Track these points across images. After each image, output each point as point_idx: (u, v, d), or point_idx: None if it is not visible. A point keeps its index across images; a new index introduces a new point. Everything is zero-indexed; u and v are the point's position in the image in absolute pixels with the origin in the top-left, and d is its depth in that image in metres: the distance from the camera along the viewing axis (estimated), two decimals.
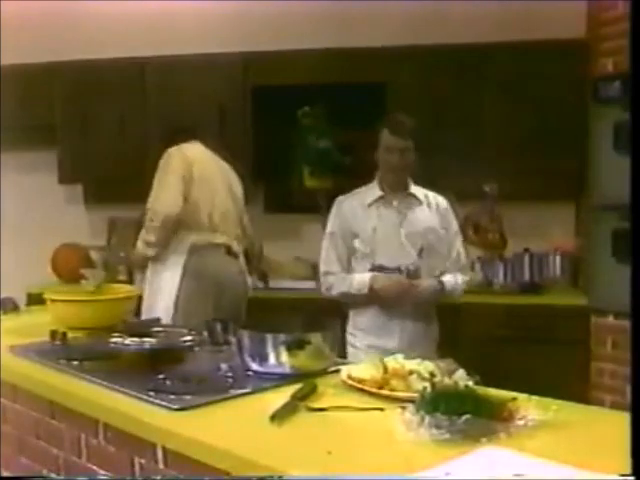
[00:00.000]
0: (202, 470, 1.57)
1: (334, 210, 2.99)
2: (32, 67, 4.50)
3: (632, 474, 1.19)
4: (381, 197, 2.92)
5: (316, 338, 2.02)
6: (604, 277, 3.78)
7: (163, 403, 1.78)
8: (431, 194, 2.97)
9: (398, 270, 2.83)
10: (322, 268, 2.97)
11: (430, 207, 2.94)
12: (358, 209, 2.92)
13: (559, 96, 3.99)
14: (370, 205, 2.92)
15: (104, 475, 1.95)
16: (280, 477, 1.38)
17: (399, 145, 2.83)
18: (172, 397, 1.81)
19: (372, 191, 2.94)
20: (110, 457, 1.92)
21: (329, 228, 2.98)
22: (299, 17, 4.46)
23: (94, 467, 1.98)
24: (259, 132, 4.45)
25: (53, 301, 2.73)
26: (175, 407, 1.76)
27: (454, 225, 3.00)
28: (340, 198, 3.00)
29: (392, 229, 2.88)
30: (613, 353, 3.75)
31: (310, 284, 4.42)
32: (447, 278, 2.92)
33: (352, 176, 4.45)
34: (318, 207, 4.52)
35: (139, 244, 3.39)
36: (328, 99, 4.23)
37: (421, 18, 4.32)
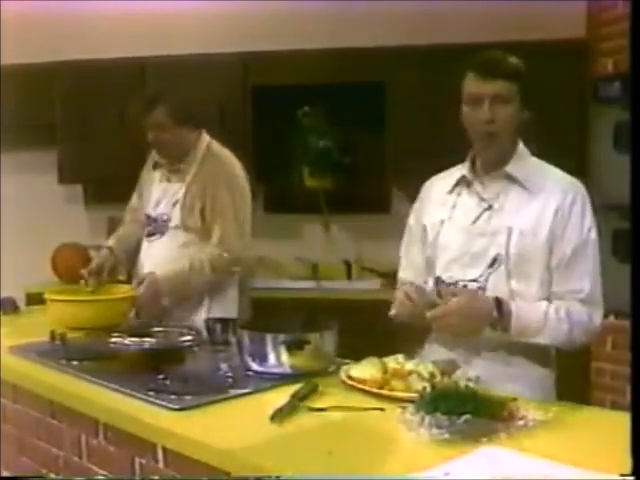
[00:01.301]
0: (202, 470, 1.57)
1: (418, 197, 2.22)
2: (32, 67, 4.50)
3: (632, 474, 1.19)
4: (462, 178, 2.07)
5: (316, 338, 2.01)
6: (604, 277, 3.77)
7: (163, 403, 1.78)
8: (551, 175, 2.02)
9: (454, 287, 2.00)
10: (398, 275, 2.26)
11: (537, 196, 1.96)
12: (437, 196, 2.13)
13: (559, 96, 3.99)
14: (451, 190, 2.09)
15: (104, 475, 1.95)
16: (279, 477, 1.38)
17: (490, 89, 1.91)
18: (172, 397, 1.81)
19: (459, 170, 2.11)
20: (110, 457, 1.92)
21: (408, 223, 2.23)
22: (299, 17, 4.46)
23: (94, 467, 1.98)
24: (259, 132, 4.44)
25: (53, 301, 2.73)
26: (175, 407, 1.76)
27: (578, 229, 1.94)
28: (430, 180, 2.22)
29: (462, 224, 2.03)
30: (613, 353, 3.75)
31: (310, 284, 4.43)
32: (526, 305, 1.93)
33: (352, 176, 4.50)
34: (318, 207, 4.53)
35: (211, 257, 2.92)
36: (328, 99, 4.23)
37: (421, 18, 4.31)
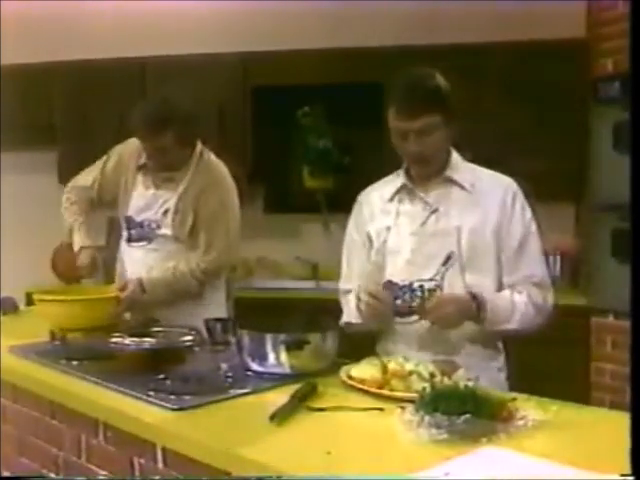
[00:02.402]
0: (202, 470, 1.57)
1: (355, 207, 2.32)
2: (32, 67, 4.51)
3: (632, 474, 1.19)
4: (403, 186, 2.19)
5: (316, 338, 2.02)
6: (604, 277, 3.77)
7: (163, 403, 1.78)
8: (487, 176, 2.18)
9: (409, 288, 2.09)
10: (340, 286, 2.32)
11: (479, 196, 2.12)
12: (378, 204, 2.23)
13: (559, 96, 3.99)
14: (392, 198, 2.20)
15: (104, 475, 1.95)
16: (279, 477, 1.38)
17: (414, 126, 2.02)
18: (172, 397, 1.81)
19: (396, 179, 2.23)
20: (110, 457, 1.92)
21: (347, 232, 2.33)
22: (299, 17, 4.46)
23: (94, 467, 1.98)
24: (259, 132, 4.45)
25: (47, 301, 2.70)
26: (175, 407, 1.76)
27: (521, 222, 2.11)
28: (365, 190, 2.32)
29: (410, 229, 2.14)
30: (613, 353, 3.75)
31: (310, 284, 4.43)
32: (494, 294, 2.07)
33: (352, 176, 4.50)
34: (318, 207, 4.53)
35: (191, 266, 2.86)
36: (328, 99, 4.23)
37: (420, 18, 4.32)
